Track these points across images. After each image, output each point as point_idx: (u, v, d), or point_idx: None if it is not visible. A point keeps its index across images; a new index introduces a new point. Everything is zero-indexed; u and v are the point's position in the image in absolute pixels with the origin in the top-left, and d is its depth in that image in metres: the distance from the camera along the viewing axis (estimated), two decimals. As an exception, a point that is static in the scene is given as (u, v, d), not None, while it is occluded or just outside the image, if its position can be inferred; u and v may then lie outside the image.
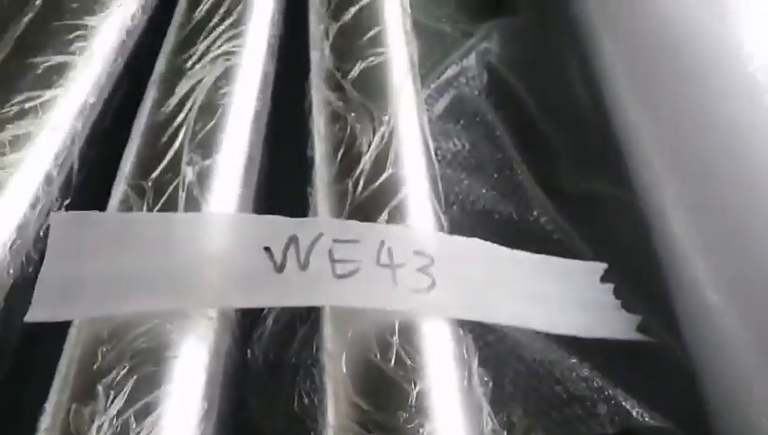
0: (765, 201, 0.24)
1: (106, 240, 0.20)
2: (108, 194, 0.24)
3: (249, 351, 0.22)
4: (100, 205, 0.24)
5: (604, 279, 0.24)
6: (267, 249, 0.20)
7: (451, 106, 0.37)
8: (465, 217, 0.31)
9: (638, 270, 0.27)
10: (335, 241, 0.21)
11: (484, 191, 0.32)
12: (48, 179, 0.24)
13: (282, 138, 0.29)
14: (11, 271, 0.21)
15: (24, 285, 0.21)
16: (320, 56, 0.30)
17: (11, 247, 0.22)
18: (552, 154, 0.35)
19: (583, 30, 0.40)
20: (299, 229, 0.21)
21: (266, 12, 0.32)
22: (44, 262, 0.20)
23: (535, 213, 0.31)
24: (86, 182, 0.26)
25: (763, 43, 0.28)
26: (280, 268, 0.20)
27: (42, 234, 0.22)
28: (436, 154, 0.31)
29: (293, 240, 0.21)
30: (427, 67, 0.38)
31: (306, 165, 0.27)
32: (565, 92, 0.39)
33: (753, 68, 0.28)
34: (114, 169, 0.26)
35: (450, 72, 0.38)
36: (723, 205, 0.25)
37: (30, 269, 0.22)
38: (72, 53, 0.28)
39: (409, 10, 0.35)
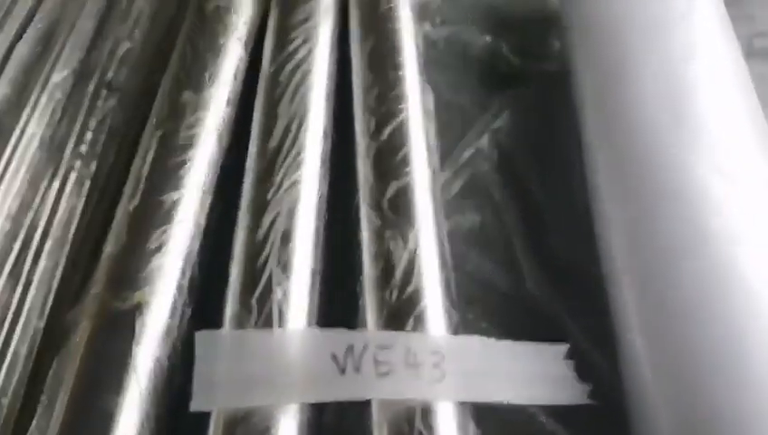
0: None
1: (231, 351, 0.31)
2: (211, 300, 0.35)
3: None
4: (208, 313, 0.35)
5: (566, 356, 0.34)
6: (333, 356, 0.31)
7: (465, 185, 0.47)
8: (474, 290, 0.41)
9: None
10: (377, 347, 0.31)
11: (489, 266, 0.42)
12: (180, 290, 0.35)
13: (336, 249, 0.39)
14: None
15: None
16: (364, 174, 0.40)
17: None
18: (550, 228, 0.44)
19: (576, 106, 0.48)
20: (354, 339, 0.31)
21: (319, 132, 0.42)
22: (195, 367, 0.31)
23: (528, 286, 0.41)
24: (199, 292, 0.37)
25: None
26: (342, 371, 0.30)
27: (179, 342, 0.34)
28: (451, 231, 0.41)
29: (350, 348, 0.31)
30: (446, 144, 0.47)
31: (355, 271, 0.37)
32: (563, 169, 0.47)
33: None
34: (212, 281, 0.37)
35: (466, 154, 0.48)
36: (662, 276, 0.35)
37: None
38: (184, 187, 0.38)
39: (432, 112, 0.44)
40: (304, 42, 0.45)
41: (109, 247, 0.36)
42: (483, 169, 0.47)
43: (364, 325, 0.34)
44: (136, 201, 0.37)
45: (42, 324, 0.36)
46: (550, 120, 0.49)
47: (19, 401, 0.34)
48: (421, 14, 0.53)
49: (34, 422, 0.31)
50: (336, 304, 0.37)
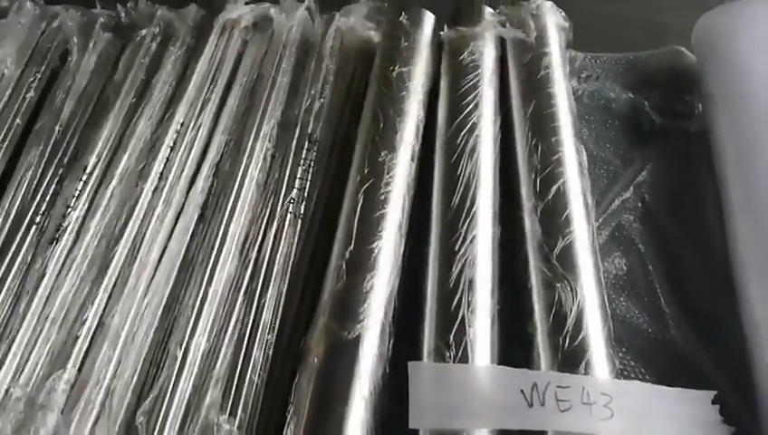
0: None
1: (436, 380, 0.38)
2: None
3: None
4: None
5: (714, 401, 0.39)
6: (522, 391, 0.37)
7: (612, 234, 0.51)
8: (624, 334, 0.46)
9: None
10: (558, 387, 0.37)
11: (636, 312, 0.47)
12: (386, 322, 0.42)
13: (507, 294, 0.45)
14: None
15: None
16: (531, 229, 0.46)
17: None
18: (691, 277, 0.49)
19: (716, 165, 0.52)
20: (538, 378, 0.38)
21: (490, 190, 0.48)
22: (410, 391, 0.38)
23: (672, 332, 0.46)
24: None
25: None
26: (529, 405, 0.37)
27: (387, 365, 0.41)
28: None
29: (535, 386, 0.37)
30: (595, 196, 0.52)
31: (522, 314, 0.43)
32: (702, 221, 0.51)
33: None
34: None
35: (614, 206, 0.52)
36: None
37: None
38: (385, 236, 0.45)
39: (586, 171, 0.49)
40: (475, 107, 0.51)
41: (332, 285, 0.43)
42: (628, 220, 0.52)
43: (538, 364, 0.40)
44: (351, 247, 0.44)
45: (272, 338, 0.45)
46: (690, 175, 0.53)
47: (260, 396, 0.42)
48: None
49: (289, 423, 0.39)
50: (510, 343, 0.43)
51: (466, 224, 0.45)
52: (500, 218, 0.47)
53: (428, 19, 0.57)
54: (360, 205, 0.46)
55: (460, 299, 0.42)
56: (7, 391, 0.42)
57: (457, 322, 0.41)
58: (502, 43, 0.57)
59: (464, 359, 0.39)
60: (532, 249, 0.45)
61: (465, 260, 0.43)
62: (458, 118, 0.51)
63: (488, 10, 0.58)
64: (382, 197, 0.47)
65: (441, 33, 0.57)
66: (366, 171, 0.48)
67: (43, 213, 0.50)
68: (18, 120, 0.56)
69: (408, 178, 0.49)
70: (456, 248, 0.44)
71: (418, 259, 0.46)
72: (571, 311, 0.41)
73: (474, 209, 0.46)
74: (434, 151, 0.51)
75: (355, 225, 0.45)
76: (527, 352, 0.42)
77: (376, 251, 0.44)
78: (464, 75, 0.53)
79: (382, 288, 0.43)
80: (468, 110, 0.51)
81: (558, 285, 0.42)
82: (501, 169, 0.50)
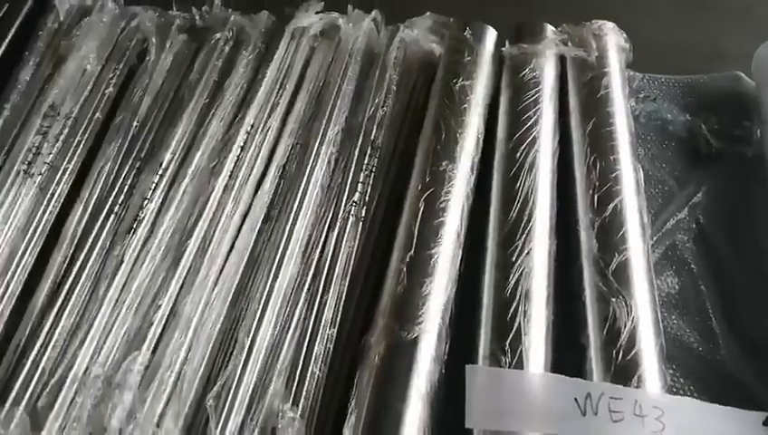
0: None
1: (493, 384, 0.40)
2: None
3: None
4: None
5: (765, 423, 0.40)
6: (575, 400, 0.39)
7: (666, 253, 0.52)
8: (675, 351, 0.47)
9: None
10: (611, 398, 0.39)
11: (687, 330, 0.48)
12: (443, 326, 0.44)
13: (560, 303, 0.46)
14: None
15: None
16: (587, 243, 0.47)
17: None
18: (742, 299, 0.49)
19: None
20: (591, 388, 0.39)
21: (547, 204, 0.49)
22: (467, 393, 0.40)
23: (723, 353, 0.46)
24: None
25: None
26: (583, 413, 0.38)
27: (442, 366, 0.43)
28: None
29: (588, 395, 0.39)
30: (650, 215, 0.53)
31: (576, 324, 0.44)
32: (756, 245, 0.52)
33: None
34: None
35: (668, 225, 0.53)
36: None
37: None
38: (443, 242, 0.47)
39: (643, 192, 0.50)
40: (535, 123, 0.53)
41: (392, 288, 0.45)
42: (681, 239, 0.52)
43: (590, 375, 0.42)
44: (411, 252, 0.46)
45: (333, 333, 0.47)
46: (745, 199, 0.54)
47: (321, 388, 0.44)
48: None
49: (350, 416, 0.41)
50: (562, 352, 0.44)
51: (524, 236, 0.46)
52: (555, 231, 0.49)
53: (491, 35, 0.59)
54: (420, 212, 0.48)
55: (516, 308, 0.43)
56: (86, 369, 0.45)
57: (513, 329, 0.42)
58: (561, 61, 0.58)
59: (519, 365, 0.41)
60: (588, 263, 0.46)
61: (522, 271, 0.45)
62: (518, 132, 0.52)
63: (550, 28, 0.59)
64: (442, 205, 0.48)
65: (503, 48, 0.59)
66: (427, 180, 0.50)
67: (121, 203, 0.53)
68: (98, 114, 0.59)
69: (467, 188, 0.50)
70: (514, 259, 0.45)
71: (474, 267, 0.48)
72: (625, 326, 0.42)
73: (531, 222, 0.47)
74: (492, 163, 0.53)
75: (416, 231, 0.47)
76: (579, 362, 0.43)
77: (435, 257, 0.46)
78: (525, 91, 0.55)
79: (440, 293, 0.45)
80: (529, 125, 0.52)
81: (613, 299, 0.43)
82: (557, 184, 0.51)
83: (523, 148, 0.51)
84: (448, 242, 0.47)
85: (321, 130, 0.57)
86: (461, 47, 0.57)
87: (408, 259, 0.46)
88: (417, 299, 0.44)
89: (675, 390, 0.45)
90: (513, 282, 0.44)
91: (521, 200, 0.48)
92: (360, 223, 0.52)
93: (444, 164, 0.50)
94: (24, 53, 0.62)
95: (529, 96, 0.54)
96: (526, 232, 0.47)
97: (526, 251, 0.46)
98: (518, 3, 0.71)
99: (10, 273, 0.50)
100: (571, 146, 0.53)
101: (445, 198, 0.49)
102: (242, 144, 0.56)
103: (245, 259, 0.51)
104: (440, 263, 0.46)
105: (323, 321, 0.47)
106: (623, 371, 0.40)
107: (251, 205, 0.54)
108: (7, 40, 0.64)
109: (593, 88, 0.55)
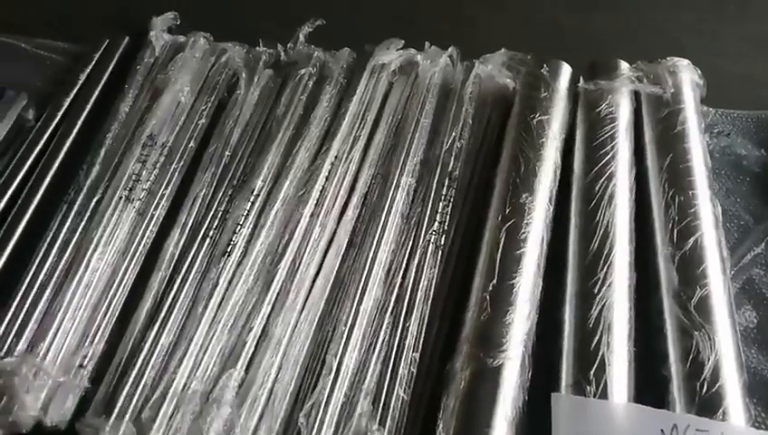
0: None
1: (578, 413, 0.41)
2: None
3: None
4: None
5: None
6: (662, 431, 0.39)
7: (744, 287, 0.52)
8: (755, 386, 0.47)
9: None
10: (697, 430, 0.39)
11: (767, 364, 0.48)
12: (526, 354, 0.45)
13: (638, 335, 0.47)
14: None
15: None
16: (667, 277, 0.47)
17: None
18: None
19: None
20: (678, 420, 0.39)
21: (626, 236, 0.50)
22: (553, 420, 0.41)
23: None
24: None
25: None
26: (669, 444, 0.39)
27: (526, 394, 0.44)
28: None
29: (675, 427, 0.39)
30: (726, 250, 0.53)
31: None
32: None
33: None
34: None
35: (746, 260, 0.53)
36: None
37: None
38: (524, 272, 0.48)
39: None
40: (612, 158, 0.54)
41: (476, 315, 0.46)
42: (758, 274, 0.52)
43: (673, 407, 0.42)
44: (494, 281, 0.48)
45: (416, 356, 0.48)
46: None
47: (405, 409, 0.46)
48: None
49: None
50: (644, 383, 0.44)
51: (605, 269, 0.47)
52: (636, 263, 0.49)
53: (566, 71, 0.61)
54: (502, 242, 0.49)
55: (600, 339, 0.44)
56: (185, 384, 0.48)
57: (597, 360, 0.43)
58: (636, 97, 0.59)
59: (603, 395, 0.42)
60: (669, 296, 0.47)
61: (604, 303, 0.46)
62: (596, 166, 0.53)
63: (624, 65, 0.60)
64: (523, 236, 0.50)
65: (578, 84, 0.60)
66: (507, 211, 0.51)
67: (216, 228, 0.56)
68: (192, 144, 0.63)
69: (546, 219, 0.52)
70: (596, 291, 0.46)
71: (553, 297, 0.49)
72: (708, 359, 0.42)
73: (612, 254, 0.48)
74: (569, 195, 0.54)
75: (498, 261, 0.48)
76: (659, 394, 0.44)
77: (517, 286, 0.47)
78: (600, 126, 0.56)
79: (523, 321, 0.46)
80: (606, 160, 0.54)
81: (696, 333, 0.44)
82: (635, 217, 0.52)
83: (601, 181, 0.52)
84: (529, 272, 0.48)
85: (401, 162, 0.59)
86: (537, 83, 0.59)
87: (491, 288, 0.47)
88: (500, 327, 0.45)
89: (756, 424, 0.45)
90: (595, 313, 0.45)
91: (601, 233, 0.49)
92: (440, 251, 0.54)
93: (524, 196, 0.52)
94: (124, 85, 0.66)
95: (605, 131, 0.55)
96: (607, 264, 0.48)
97: (608, 283, 0.47)
98: (591, 40, 0.72)
99: (112, 291, 0.54)
100: (647, 180, 0.54)
101: (525, 229, 0.50)
102: (326, 174, 0.59)
103: (331, 283, 0.53)
104: (522, 292, 0.47)
105: (407, 344, 0.49)
106: (707, 404, 0.41)
107: (335, 232, 0.56)
108: (108, 73, 0.69)
109: (669, 124, 0.56)
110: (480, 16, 0.76)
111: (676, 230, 0.49)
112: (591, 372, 0.43)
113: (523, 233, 0.50)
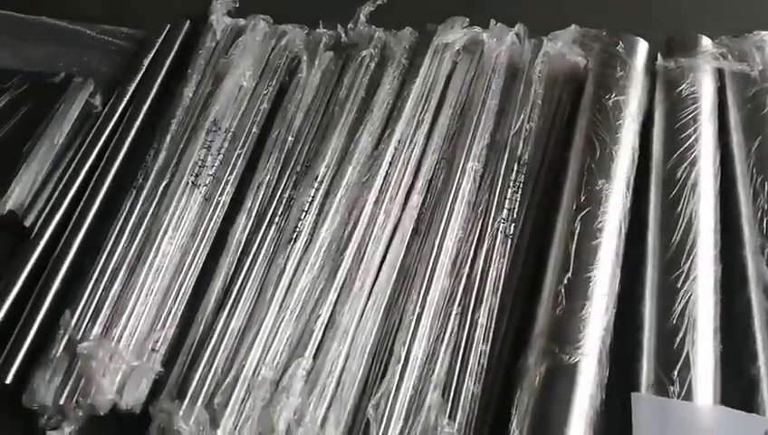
0: None
1: (659, 414, 0.38)
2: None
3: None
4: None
5: None
6: (751, 436, 0.37)
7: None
8: None
9: None
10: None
11: None
12: (603, 351, 0.43)
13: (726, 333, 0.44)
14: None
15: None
16: (757, 270, 0.44)
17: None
18: None
19: None
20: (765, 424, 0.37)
21: (710, 227, 0.47)
22: (633, 420, 0.39)
23: None
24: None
25: None
26: (761, 450, 0.36)
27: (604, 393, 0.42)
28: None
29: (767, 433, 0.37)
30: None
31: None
32: None
33: None
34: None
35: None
36: None
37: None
38: (601, 264, 0.46)
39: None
40: (695, 141, 0.50)
41: (550, 309, 0.44)
42: None
43: (764, 409, 0.39)
44: (569, 274, 0.45)
45: (486, 348, 0.47)
46: None
47: (476, 402, 0.45)
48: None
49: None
50: (730, 383, 0.42)
51: (689, 262, 0.44)
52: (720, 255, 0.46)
53: (643, 48, 0.57)
54: (576, 232, 0.47)
55: (684, 336, 0.41)
56: (255, 370, 0.48)
57: (681, 358, 0.41)
58: (720, 75, 0.55)
59: (687, 396, 0.39)
60: (758, 291, 0.44)
61: (689, 298, 0.43)
62: (677, 151, 0.50)
63: (706, 40, 0.56)
64: (599, 225, 0.47)
65: (656, 62, 0.56)
66: (582, 199, 0.48)
67: (281, 214, 0.55)
68: (255, 129, 0.62)
69: (623, 207, 0.49)
70: (679, 285, 0.44)
71: (631, 290, 0.46)
72: (806, 358, 0.39)
73: (696, 247, 0.45)
74: (648, 182, 0.51)
75: (573, 252, 0.46)
76: (747, 394, 0.41)
77: (593, 279, 0.45)
78: (682, 107, 0.52)
79: (600, 317, 0.44)
80: (688, 144, 0.50)
81: (788, 330, 0.41)
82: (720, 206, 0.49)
83: (683, 168, 0.49)
84: (606, 264, 0.46)
85: (466, 146, 0.57)
86: (612, 61, 0.55)
87: (566, 281, 0.45)
88: (576, 322, 0.43)
89: None
90: (678, 309, 0.43)
91: (683, 224, 0.46)
92: (509, 240, 0.52)
93: (600, 183, 0.49)
94: (187, 71, 0.66)
95: (686, 113, 0.52)
96: (691, 257, 0.45)
97: (692, 277, 0.44)
98: (669, 13, 0.67)
99: (182, 275, 0.54)
100: (733, 166, 0.50)
101: (601, 218, 0.47)
102: (390, 159, 0.57)
103: (396, 271, 0.52)
104: (599, 285, 0.45)
105: (476, 336, 0.47)
106: (805, 410, 0.38)
107: (400, 218, 0.54)
108: (171, 58, 0.69)
109: (757, 104, 0.52)
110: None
111: (766, 220, 0.46)
112: (675, 372, 0.40)
113: (600, 222, 0.47)
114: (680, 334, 0.41)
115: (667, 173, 0.49)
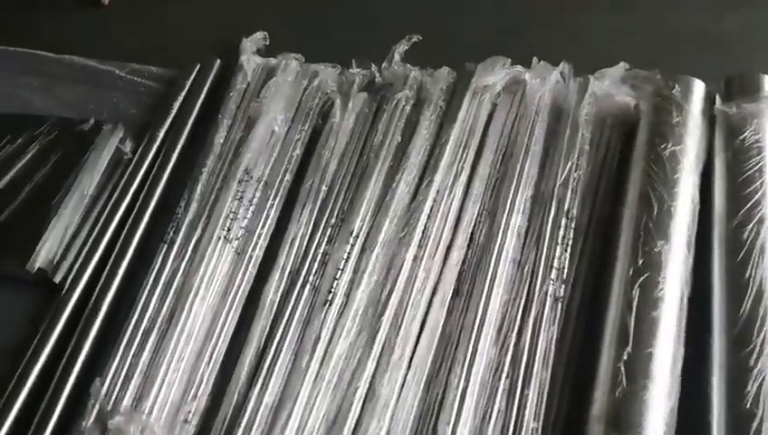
0: None
1: None
2: None
3: None
4: None
5: None
6: None
7: None
8: None
9: None
10: None
11: None
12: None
13: None
14: None
15: None
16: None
17: None
18: None
19: None
20: None
21: None
22: None
23: None
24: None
25: None
26: None
27: None
28: None
29: None
30: None
31: None
32: None
33: None
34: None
35: None
36: None
37: None
38: (661, 340, 0.42)
39: None
40: (762, 196, 0.46)
41: (608, 389, 0.41)
42: None
43: None
44: (629, 349, 0.41)
45: (537, 426, 0.43)
46: None
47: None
48: None
49: None
50: None
51: (761, 335, 0.40)
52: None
53: (699, 89, 0.52)
54: (635, 301, 0.43)
55: (760, 425, 0.37)
56: (291, 449, 0.45)
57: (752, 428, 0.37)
58: (786, 120, 0.50)
59: None
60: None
61: (764, 378, 0.39)
62: (742, 208, 0.46)
63: (770, 81, 0.52)
64: (659, 293, 0.43)
65: (715, 106, 0.52)
66: (640, 262, 0.45)
67: (316, 273, 0.52)
68: (288, 177, 0.59)
69: (685, 272, 0.45)
70: (751, 363, 0.40)
71: (695, 367, 0.42)
72: None
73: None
74: (709, 239, 0.47)
75: (631, 324, 0.42)
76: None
77: (655, 356, 0.41)
78: (746, 157, 0.48)
79: (663, 400, 0.40)
80: (755, 199, 0.46)
81: None
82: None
83: (749, 227, 0.45)
84: (668, 338, 0.42)
85: (510, 197, 0.53)
86: (667, 105, 0.51)
87: (625, 357, 0.41)
88: (638, 404, 0.39)
89: None
90: (753, 391, 0.39)
91: (753, 292, 0.42)
92: (559, 303, 0.48)
93: (659, 244, 0.45)
94: (218, 115, 0.64)
95: (751, 164, 0.47)
96: (764, 331, 0.40)
97: (765, 352, 0.40)
98: (719, 47, 0.62)
99: (214, 338, 0.52)
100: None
101: (662, 284, 0.43)
102: (428, 212, 0.54)
103: (437, 338, 0.48)
104: (660, 363, 0.41)
105: (526, 414, 0.44)
106: None
107: (440, 277, 0.51)
108: (201, 100, 0.67)
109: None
110: (594, 23, 0.67)
111: None
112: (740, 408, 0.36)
113: (660, 290, 0.43)
114: (755, 422, 0.37)
115: (732, 232, 0.45)
